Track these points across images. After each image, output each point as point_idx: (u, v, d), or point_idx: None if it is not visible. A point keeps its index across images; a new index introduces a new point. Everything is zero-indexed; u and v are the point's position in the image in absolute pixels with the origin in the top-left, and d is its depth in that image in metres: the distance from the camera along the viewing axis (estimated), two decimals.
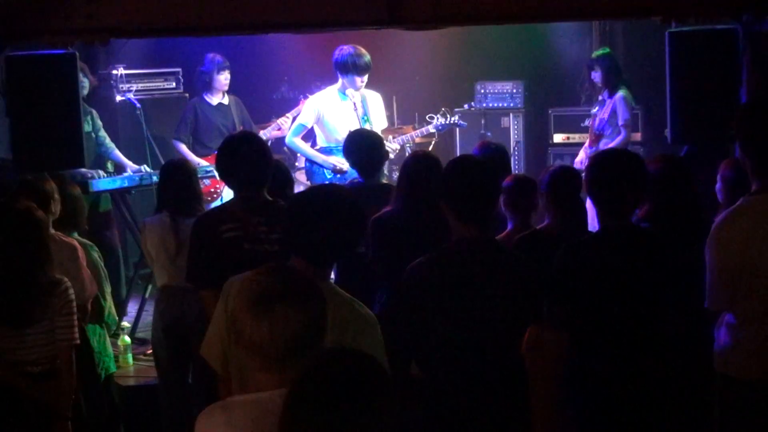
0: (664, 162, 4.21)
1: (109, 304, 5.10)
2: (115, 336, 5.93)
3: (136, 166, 7.03)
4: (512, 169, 6.07)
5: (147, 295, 6.65)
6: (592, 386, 3.51)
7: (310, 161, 6.90)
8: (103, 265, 5.06)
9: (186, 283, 4.66)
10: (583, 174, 3.69)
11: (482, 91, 8.99)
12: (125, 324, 6.55)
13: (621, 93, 7.12)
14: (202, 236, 4.07)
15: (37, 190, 4.66)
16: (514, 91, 8.94)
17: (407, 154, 6.35)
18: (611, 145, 7.03)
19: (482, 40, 8.89)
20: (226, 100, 7.52)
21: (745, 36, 5.60)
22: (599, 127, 7.18)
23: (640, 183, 3.50)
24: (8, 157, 6.02)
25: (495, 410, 3.35)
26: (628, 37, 8.54)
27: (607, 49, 7.66)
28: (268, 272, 2.38)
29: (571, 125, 8.62)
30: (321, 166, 6.80)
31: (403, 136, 7.38)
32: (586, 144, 7.32)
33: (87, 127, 6.57)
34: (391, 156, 7.18)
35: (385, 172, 7.14)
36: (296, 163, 7.43)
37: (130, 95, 7.58)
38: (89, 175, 6.57)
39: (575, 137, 8.44)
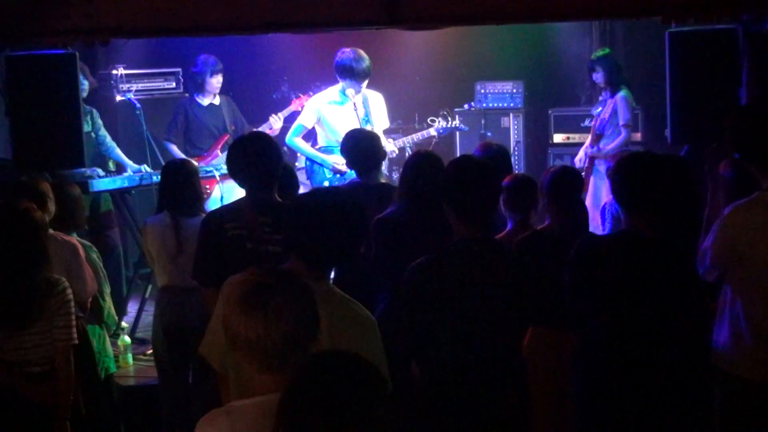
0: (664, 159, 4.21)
1: (109, 305, 5.10)
2: (115, 336, 5.94)
3: (136, 166, 7.03)
4: (512, 168, 6.05)
5: (147, 295, 6.65)
6: (597, 385, 3.51)
7: (310, 161, 6.90)
8: (102, 265, 5.06)
9: (187, 283, 4.67)
10: (611, 174, 3.67)
11: (482, 91, 8.98)
12: (125, 324, 6.55)
13: (622, 93, 7.11)
14: (209, 234, 4.08)
15: (32, 190, 4.65)
16: (514, 91, 8.93)
17: (408, 155, 6.35)
18: (612, 145, 7.03)
19: (482, 40, 8.89)
20: (217, 101, 7.51)
21: (745, 36, 5.61)
22: (600, 127, 7.18)
23: (658, 188, 3.50)
24: (8, 157, 6.03)
25: (495, 410, 3.35)
26: (628, 37, 8.54)
27: (608, 50, 7.65)
28: (254, 272, 2.39)
29: (571, 125, 8.61)
30: (321, 165, 6.81)
31: (404, 139, 7.38)
32: (587, 143, 7.32)
33: (87, 127, 6.57)
34: (391, 156, 7.18)
35: (385, 172, 7.14)
36: (296, 163, 7.43)
37: (130, 95, 7.57)
38: (88, 174, 6.57)
39: (575, 137, 8.43)
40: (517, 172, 4.79)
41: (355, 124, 6.59)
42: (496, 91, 8.96)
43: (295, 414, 2.02)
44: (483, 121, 8.86)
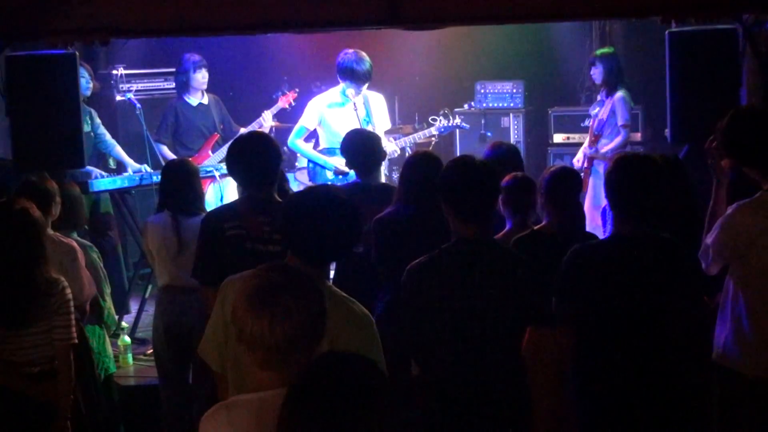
0: (660, 160, 4.21)
1: (109, 305, 5.11)
2: (115, 336, 5.94)
3: (137, 165, 7.03)
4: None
5: (147, 295, 6.65)
6: (596, 385, 3.51)
7: (312, 162, 6.90)
8: (102, 265, 5.06)
9: (187, 283, 4.67)
10: (605, 176, 3.67)
11: (482, 91, 8.98)
12: (125, 324, 6.55)
13: (620, 93, 7.11)
14: (208, 233, 4.09)
15: (39, 190, 4.66)
16: (514, 91, 8.94)
17: (407, 155, 6.34)
18: (610, 145, 7.02)
19: (482, 40, 8.89)
20: (205, 100, 7.50)
21: (745, 36, 5.60)
22: (598, 127, 7.18)
23: (653, 190, 3.50)
24: (8, 157, 6.03)
25: (495, 410, 3.35)
26: (628, 37, 8.54)
27: (612, 49, 7.66)
28: (268, 269, 2.40)
29: (571, 125, 8.62)
30: (323, 167, 6.80)
31: (405, 138, 7.38)
32: (586, 144, 7.32)
33: (86, 127, 6.57)
34: (392, 156, 7.18)
35: (385, 172, 7.14)
36: (296, 163, 7.43)
37: (130, 95, 7.57)
38: (91, 174, 6.57)
39: (575, 137, 8.44)
40: (516, 172, 4.77)
41: (356, 123, 6.59)
42: (496, 91, 8.97)
43: (298, 414, 2.02)
44: (483, 121, 8.86)
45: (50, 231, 4.55)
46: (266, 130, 7.23)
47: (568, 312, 3.45)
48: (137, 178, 6.81)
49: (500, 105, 8.95)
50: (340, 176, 6.65)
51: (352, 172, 5.61)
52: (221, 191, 6.91)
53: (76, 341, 4.08)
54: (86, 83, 6.73)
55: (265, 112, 7.51)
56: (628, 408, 3.46)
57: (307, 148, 6.93)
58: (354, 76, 6.56)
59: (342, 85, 6.71)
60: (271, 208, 4.00)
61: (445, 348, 3.33)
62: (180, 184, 5.07)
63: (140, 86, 8.08)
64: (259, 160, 4.05)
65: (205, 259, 4.08)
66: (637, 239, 3.47)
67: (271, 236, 3.97)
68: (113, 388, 5.13)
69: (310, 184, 6.93)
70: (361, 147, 5.21)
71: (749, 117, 3.68)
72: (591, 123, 7.34)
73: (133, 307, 6.96)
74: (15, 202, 4.16)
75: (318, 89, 7.25)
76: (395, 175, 7.64)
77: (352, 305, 2.84)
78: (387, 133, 7.06)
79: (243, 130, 7.26)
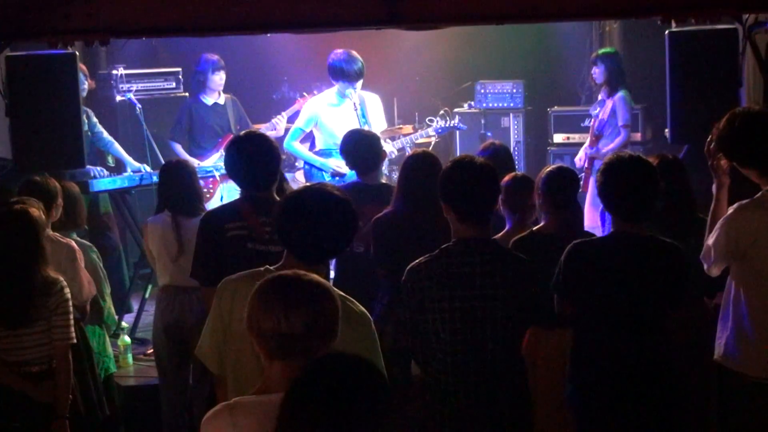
0: (658, 160, 4.21)
1: (108, 305, 5.11)
2: (115, 336, 5.94)
3: (136, 164, 7.03)
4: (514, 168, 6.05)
5: (147, 295, 6.65)
6: (592, 383, 3.51)
7: (309, 164, 6.90)
8: (102, 265, 5.06)
9: (187, 283, 4.67)
10: (597, 177, 3.68)
11: (482, 91, 8.98)
12: (125, 324, 6.56)
13: (620, 93, 7.11)
14: (208, 233, 4.08)
15: (43, 190, 4.67)
16: (514, 91, 8.93)
17: (407, 155, 6.34)
18: (611, 145, 7.02)
19: (482, 40, 8.88)
20: (221, 100, 7.50)
21: (745, 36, 5.60)
22: (599, 127, 7.18)
23: (650, 189, 3.50)
24: (8, 157, 6.03)
25: (495, 410, 3.35)
26: (628, 37, 8.53)
27: (613, 49, 7.66)
28: (281, 270, 2.41)
29: (571, 125, 8.61)
30: (320, 169, 6.79)
31: (403, 138, 7.37)
32: (587, 144, 7.32)
33: (83, 127, 6.57)
34: (390, 157, 7.17)
35: (385, 172, 7.14)
36: (296, 163, 7.43)
37: (130, 95, 7.57)
38: (93, 173, 6.57)
39: (575, 137, 8.43)
40: (515, 172, 4.78)
41: (354, 124, 6.59)
42: (496, 91, 8.96)
43: (297, 415, 2.03)
44: (483, 121, 8.87)
45: (50, 231, 4.55)
46: (279, 134, 7.23)
47: (567, 310, 3.46)
48: (137, 178, 6.81)
49: (500, 105, 8.94)
50: (337, 178, 6.64)
51: (350, 173, 5.61)
52: (229, 191, 6.89)
53: (75, 341, 4.09)
54: (81, 83, 6.73)
55: (279, 115, 7.50)
56: (624, 406, 3.46)
57: (304, 150, 6.91)
58: (345, 75, 6.54)
59: (337, 86, 6.70)
60: (272, 209, 4.00)
61: (445, 348, 3.33)
62: (179, 185, 5.08)
63: (140, 86, 8.08)
64: (258, 161, 4.04)
65: (204, 260, 4.08)
66: (632, 239, 3.47)
67: (272, 236, 3.96)
68: (113, 388, 5.12)
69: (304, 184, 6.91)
70: (361, 147, 5.21)
71: (745, 119, 3.66)
72: (592, 123, 7.34)
73: (134, 307, 6.96)
74: (18, 201, 4.17)
75: (318, 89, 7.25)
76: (395, 175, 7.63)
77: (351, 305, 2.84)
78: (385, 133, 7.05)
79: (261, 129, 7.25)
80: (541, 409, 3.47)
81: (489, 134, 8.61)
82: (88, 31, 5.57)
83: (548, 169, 4.32)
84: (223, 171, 6.85)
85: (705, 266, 3.66)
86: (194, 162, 7.05)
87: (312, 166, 6.85)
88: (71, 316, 4.04)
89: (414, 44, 8.82)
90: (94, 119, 7.08)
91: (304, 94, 7.63)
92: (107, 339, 5.15)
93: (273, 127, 7.40)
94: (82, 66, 6.84)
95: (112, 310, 5.22)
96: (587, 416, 3.54)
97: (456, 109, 8.52)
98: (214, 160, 7.22)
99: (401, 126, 8.07)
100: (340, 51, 6.60)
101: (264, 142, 4.14)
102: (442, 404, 3.36)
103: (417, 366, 3.50)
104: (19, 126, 5.81)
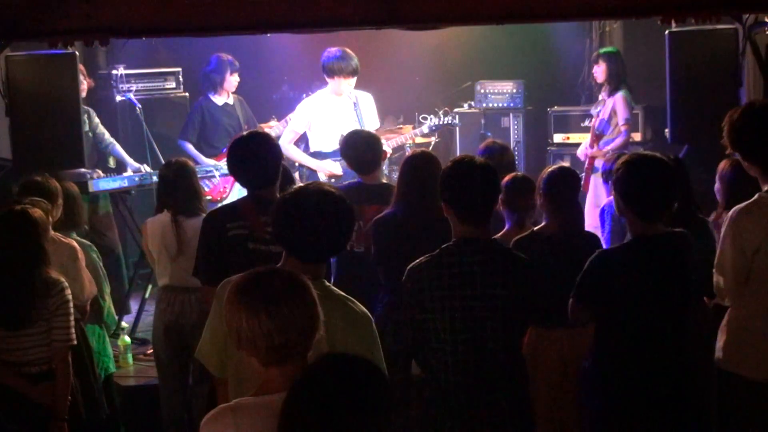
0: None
1: (109, 305, 5.11)
2: (115, 336, 5.94)
3: (136, 164, 7.03)
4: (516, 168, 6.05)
5: (147, 295, 6.65)
6: (610, 388, 3.51)
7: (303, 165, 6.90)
8: (102, 265, 5.06)
9: (187, 283, 4.67)
10: (611, 178, 3.67)
11: (482, 91, 8.98)
12: (125, 324, 6.56)
13: (621, 93, 7.11)
14: (210, 233, 4.08)
15: (44, 190, 4.67)
16: (514, 91, 8.93)
17: (406, 155, 6.33)
18: (612, 145, 7.03)
19: (482, 40, 8.89)
20: (231, 100, 7.52)
21: (745, 36, 5.60)
22: (599, 127, 7.19)
23: (670, 188, 3.50)
24: (8, 157, 6.04)
25: (495, 410, 3.35)
26: (628, 37, 8.54)
27: (615, 48, 7.66)
28: (252, 272, 2.41)
29: (571, 125, 8.61)
30: (314, 171, 6.78)
31: (398, 138, 7.36)
32: (587, 142, 7.32)
33: (84, 127, 6.57)
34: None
35: (385, 171, 7.13)
36: (296, 163, 7.43)
37: (130, 95, 7.57)
38: (88, 175, 6.57)
39: (575, 137, 8.43)
40: (515, 172, 4.78)
41: (351, 122, 6.58)
42: (496, 91, 8.96)
43: (298, 415, 2.02)
44: (483, 121, 8.86)
45: (51, 231, 4.54)
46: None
47: (586, 314, 3.46)
48: (137, 178, 6.81)
49: (500, 105, 8.94)
50: (333, 180, 6.61)
51: (344, 175, 5.60)
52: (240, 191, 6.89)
53: (75, 342, 4.09)
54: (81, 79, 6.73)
55: (284, 120, 7.50)
56: (646, 407, 3.47)
57: (298, 152, 6.88)
58: (340, 72, 6.53)
59: (330, 86, 6.69)
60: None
61: (445, 348, 3.33)
62: (178, 185, 5.07)
63: (140, 86, 8.07)
64: (259, 160, 4.04)
65: (206, 259, 4.08)
66: (658, 239, 3.47)
67: (273, 236, 3.96)
68: (113, 388, 5.13)
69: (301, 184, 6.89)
70: (361, 147, 5.21)
71: (756, 110, 3.64)
72: (592, 122, 7.35)
73: (133, 307, 6.96)
74: (23, 202, 4.17)
75: (318, 89, 7.24)
76: (395, 176, 7.63)
77: (352, 305, 2.84)
78: (379, 132, 7.03)
79: (267, 130, 7.25)
80: (541, 409, 3.47)
81: (489, 134, 8.60)
82: (88, 31, 5.57)
83: (549, 170, 4.32)
84: (224, 171, 6.88)
85: (721, 298, 3.61)
86: (205, 162, 7.08)
87: (306, 168, 6.84)
88: (71, 318, 4.03)
89: (414, 44, 8.82)
90: (96, 120, 7.08)
91: (310, 93, 7.63)
92: (107, 339, 5.15)
93: (285, 125, 7.39)
94: (80, 66, 6.84)
95: (112, 309, 5.22)
96: (607, 416, 3.54)
97: (456, 109, 8.51)
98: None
99: (401, 126, 8.07)
100: (333, 49, 6.58)
101: (265, 141, 4.14)
102: (443, 404, 3.36)
103: (417, 366, 3.49)
104: (19, 126, 5.81)
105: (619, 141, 7.03)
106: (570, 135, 8.58)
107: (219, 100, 7.43)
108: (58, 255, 4.45)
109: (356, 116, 6.68)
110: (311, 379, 2.05)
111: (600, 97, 7.45)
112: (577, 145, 7.76)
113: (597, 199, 6.87)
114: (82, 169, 6.43)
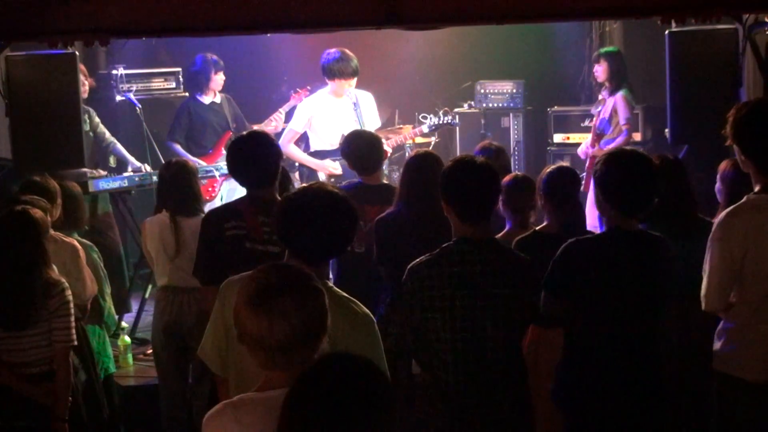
0: (658, 161, 4.21)
1: (109, 305, 5.11)
2: (115, 336, 5.94)
3: (138, 163, 7.04)
4: (512, 169, 6.05)
5: (147, 295, 6.65)
6: (584, 384, 3.50)
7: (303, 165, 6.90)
8: (102, 265, 5.06)
9: (186, 283, 4.67)
10: (593, 173, 3.67)
11: (482, 91, 8.98)
12: (125, 324, 6.55)
13: (622, 93, 7.12)
14: (208, 232, 4.10)
15: (42, 190, 4.67)
16: (514, 91, 8.94)
17: (407, 155, 6.34)
18: (612, 145, 7.02)
19: (482, 40, 8.89)
20: (218, 99, 7.52)
21: (745, 36, 5.60)
22: (600, 126, 7.20)
23: (651, 185, 3.49)
24: (8, 157, 6.03)
25: (497, 409, 3.35)
26: (628, 37, 8.54)
27: (617, 48, 7.66)
28: (268, 269, 2.38)
29: (571, 125, 8.62)
30: (314, 170, 6.78)
31: (397, 137, 7.37)
32: (588, 141, 7.33)
33: (85, 127, 6.58)
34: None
35: (385, 172, 7.13)
36: (295, 163, 7.43)
37: (130, 95, 7.57)
38: (89, 174, 6.57)
39: (575, 137, 8.44)
40: (516, 171, 4.78)
41: (351, 122, 6.58)
42: (496, 91, 8.97)
43: (299, 415, 2.02)
44: (483, 121, 8.86)
45: (52, 231, 4.55)
46: (277, 131, 7.23)
47: (558, 309, 3.44)
48: (137, 178, 6.81)
49: (500, 105, 8.95)
50: (333, 179, 6.62)
51: (345, 174, 5.60)
52: (231, 190, 6.89)
53: (76, 343, 4.09)
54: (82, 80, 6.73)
55: (279, 110, 7.51)
56: (616, 403, 3.45)
57: (298, 152, 6.88)
58: (340, 73, 6.54)
59: (329, 86, 6.70)
60: (271, 208, 4.00)
61: (445, 347, 3.33)
62: (178, 185, 5.08)
63: (140, 86, 8.07)
64: (258, 160, 4.05)
65: (205, 259, 4.09)
66: (633, 235, 3.46)
67: (270, 237, 3.97)
68: (113, 388, 5.13)
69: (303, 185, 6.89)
70: (362, 147, 5.21)
71: (760, 107, 3.62)
72: (593, 122, 7.35)
73: (134, 306, 6.96)
74: (23, 202, 4.17)
75: (318, 89, 7.24)
76: (395, 176, 7.64)
77: (353, 305, 2.84)
78: (379, 132, 7.04)
79: (256, 128, 7.24)
80: (541, 409, 3.46)
81: (489, 134, 8.61)
82: (88, 31, 5.57)
83: (549, 169, 4.32)
84: (223, 170, 6.88)
85: (706, 304, 3.56)
86: (195, 161, 7.07)
87: (306, 168, 6.85)
88: (72, 318, 4.03)
89: (414, 44, 8.82)
90: (97, 119, 7.08)
91: (298, 89, 7.65)
92: (107, 339, 5.15)
93: (270, 124, 7.39)
94: (81, 66, 6.85)
95: (112, 309, 5.22)
96: (577, 413, 3.52)
97: (456, 109, 8.51)
98: (216, 159, 7.22)
99: (401, 126, 8.07)
100: (332, 50, 6.60)
101: (264, 140, 4.15)
102: (443, 403, 3.36)
103: (418, 365, 3.50)
104: (19, 126, 5.81)
105: (619, 141, 7.03)
106: (570, 135, 8.58)
107: (206, 99, 7.45)
108: (60, 254, 4.45)
109: (356, 116, 6.68)
110: (313, 379, 2.05)
111: (600, 97, 7.45)
112: (577, 145, 7.77)
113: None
114: (84, 169, 6.44)
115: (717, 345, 3.65)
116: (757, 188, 3.56)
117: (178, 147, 7.32)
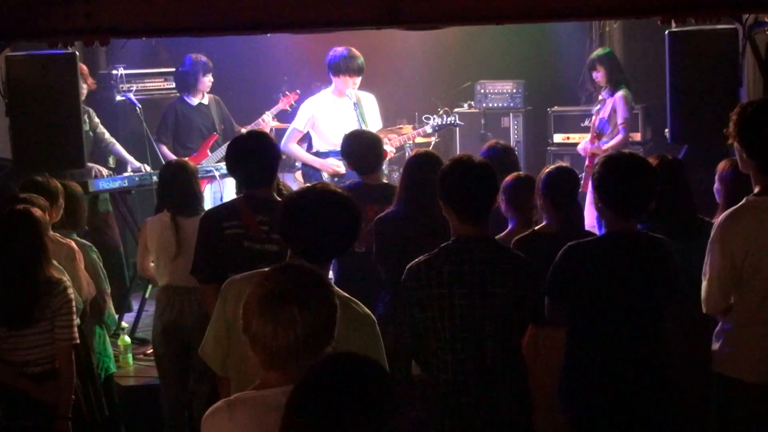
0: (658, 161, 4.21)
1: (109, 305, 5.10)
2: (115, 336, 5.94)
3: (137, 163, 7.03)
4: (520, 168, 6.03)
5: (147, 295, 6.65)
6: (587, 385, 3.50)
7: (306, 165, 6.90)
8: (102, 265, 5.06)
9: (186, 283, 4.67)
10: (591, 176, 3.67)
11: (482, 91, 8.98)
12: (125, 324, 6.55)
13: (621, 92, 7.12)
14: (207, 232, 4.11)
15: (43, 190, 4.67)
16: (514, 91, 8.93)
17: (407, 155, 6.34)
18: (611, 144, 7.03)
19: (482, 40, 8.88)
20: (205, 100, 7.51)
21: (745, 36, 5.60)
22: (599, 125, 7.20)
23: (648, 188, 3.49)
24: (8, 157, 6.03)
25: (495, 409, 3.35)
26: (628, 37, 8.54)
27: (608, 49, 7.66)
28: (283, 271, 2.38)
29: (571, 125, 8.61)
30: (318, 170, 6.78)
31: (401, 137, 7.37)
32: (587, 140, 7.33)
33: (85, 127, 6.58)
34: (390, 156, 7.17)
35: (385, 171, 7.13)
36: (296, 163, 7.43)
37: (130, 95, 7.57)
38: (89, 174, 6.57)
39: (575, 137, 8.42)
40: (516, 172, 4.78)
41: (352, 123, 6.58)
42: (496, 91, 8.96)
43: (301, 415, 2.03)
44: (483, 121, 8.86)
45: (50, 231, 4.54)
46: (266, 131, 7.21)
47: (560, 311, 3.45)
48: (137, 178, 6.81)
49: (500, 105, 8.94)
50: (336, 179, 6.63)
51: (348, 174, 5.60)
52: (220, 191, 6.91)
53: (78, 341, 4.09)
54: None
55: (266, 113, 7.51)
56: (617, 406, 3.45)
57: (301, 151, 6.89)
58: (347, 70, 6.56)
59: (334, 84, 6.70)
60: (270, 208, 4.01)
61: (445, 347, 3.33)
62: (178, 185, 5.08)
63: (140, 86, 8.08)
64: (257, 160, 4.06)
65: (203, 258, 4.10)
66: (633, 237, 3.46)
67: (269, 236, 3.97)
68: (113, 388, 5.12)
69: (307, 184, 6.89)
70: (362, 147, 5.22)
71: (757, 111, 3.61)
72: (593, 121, 7.35)
73: (134, 307, 6.96)
74: (22, 200, 4.17)
75: (318, 89, 7.25)
76: (395, 175, 7.64)
77: (354, 305, 2.84)
78: (381, 132, 7.04)
79: (244, 130, 7.24)
80: (541, 409, 3.46)
81: (489, 134, 8.60)
82: (88, 31, 5.57)
83: (548, 169, 4.32)
84: (223, 170, 6.87)
85: (707, 308, 3.56)
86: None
87: (310, 167, 6.85)
88: (74, 317, 4.04)
89: (414, 44, 8.81)
90: (96, 119, 7.08)
91: (287, 92, 7.65)
92: (107, 339, 5.14)
93: (258, 125, 7.37)
94: (81, 66, 6.85)
95: (113, 310, 5.21)
96: (581, 413, 3.52)
97: (456, 109, 8.51)
98: (200, 161, 7.21)
99: (401, 126, 8.07)
100: (339, 48, 6.62)
101: (264, 140, 4.16)
102: (443, 403, 3.36)
103: (417, 365, 3.50)
104: (19, 126, 5.81)
105: (617, 140, 7.02)
106: (570, 135, 8.58)
107: (194, 100, 7.44)
108: (56, 255, 4.44)
109: (356, 116, 6.69)
110: (315, 379, 2.05)
111: (600, 97, 7.45)
112: (577, 144, 7.76)
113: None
114: (90, 164, 6.44)
115: (715, 346, 3.64)
116: (756, 189, 3.56)
117: (164, 148, 7.31)
